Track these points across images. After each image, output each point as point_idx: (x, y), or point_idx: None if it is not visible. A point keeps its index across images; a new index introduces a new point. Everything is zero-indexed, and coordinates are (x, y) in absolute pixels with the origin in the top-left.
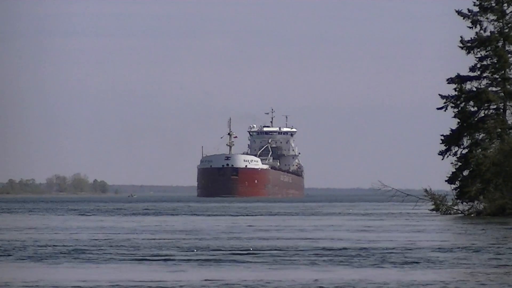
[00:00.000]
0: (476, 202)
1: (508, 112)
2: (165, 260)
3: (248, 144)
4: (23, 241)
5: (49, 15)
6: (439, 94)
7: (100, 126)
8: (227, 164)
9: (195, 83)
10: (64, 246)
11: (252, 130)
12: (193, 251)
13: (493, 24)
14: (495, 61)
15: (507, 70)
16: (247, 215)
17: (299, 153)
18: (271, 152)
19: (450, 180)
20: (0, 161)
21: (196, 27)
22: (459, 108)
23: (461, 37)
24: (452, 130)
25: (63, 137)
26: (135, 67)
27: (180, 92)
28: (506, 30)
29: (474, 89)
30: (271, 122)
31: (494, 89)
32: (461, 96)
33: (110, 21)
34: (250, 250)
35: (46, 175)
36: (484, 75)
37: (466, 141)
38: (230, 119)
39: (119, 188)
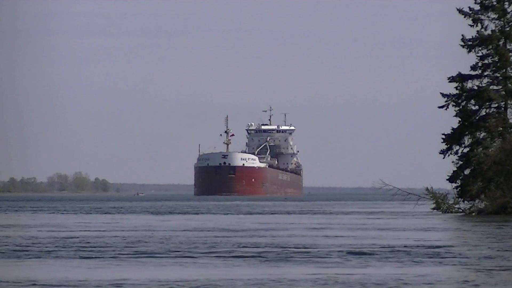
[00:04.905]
0: (477, 200)
1: (509, 110)
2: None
3: (246, 142)
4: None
5: (49, 14)
6: (440, 93)
7: (101, 124)
8: (224, 163)
9: (193, 81)
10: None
11: (250, 128)
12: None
13: (494, 22)
14: (496, 60)
15: (508, 68)
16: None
17: (298, 152)
18: (269, 151)
19: (451, 179)
20: (2, 159)
21: (194, 25)
22: (460, 107)
23: (462, 35)
24: (453, 128)
25: (64, 135)
26: (134, 65)
27: (177, 90)
28: (507, 29)
29: (476, 87)
30: (270, 120)
31: (495, 87)
32: (462, 95)
33: (108, 20)
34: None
35: (47, 173)
36: (485, 73)
37: (467, 140)
38: (228, 117)
39: (121, 187)
